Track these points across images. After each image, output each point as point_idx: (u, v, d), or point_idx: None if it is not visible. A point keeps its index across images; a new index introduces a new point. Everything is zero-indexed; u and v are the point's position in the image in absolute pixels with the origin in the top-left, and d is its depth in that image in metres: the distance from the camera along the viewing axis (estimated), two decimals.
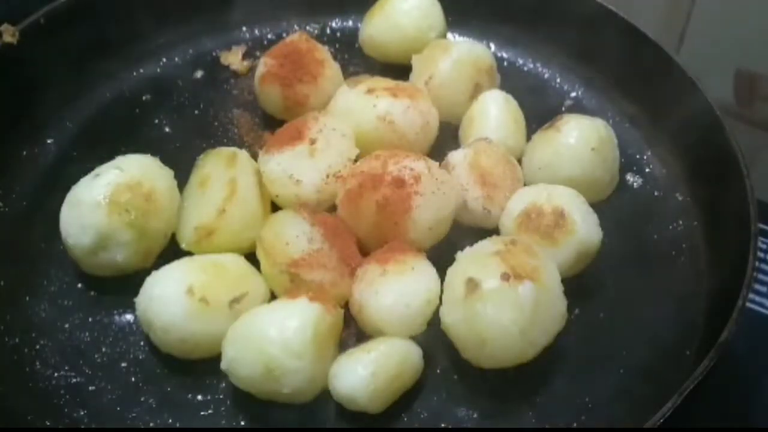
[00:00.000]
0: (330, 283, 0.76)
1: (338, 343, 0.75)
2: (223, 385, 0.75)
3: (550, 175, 0.86)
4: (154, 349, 0.76)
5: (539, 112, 0.96)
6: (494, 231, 0.83)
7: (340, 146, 0.85)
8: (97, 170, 0.81)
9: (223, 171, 0.82)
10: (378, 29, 1.01)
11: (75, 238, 0.78)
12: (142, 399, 0.74)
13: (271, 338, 0.69)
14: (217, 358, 0.72)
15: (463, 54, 0.94)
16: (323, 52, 0.98)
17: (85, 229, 0.78)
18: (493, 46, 1.06)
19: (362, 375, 0.70)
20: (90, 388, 0.75)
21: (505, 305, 0.69)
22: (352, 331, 0.78)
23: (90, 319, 0.80)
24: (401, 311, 0.73)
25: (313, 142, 0.84)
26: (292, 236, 0.77)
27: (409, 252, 0.77)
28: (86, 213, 0.78)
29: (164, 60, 1.05)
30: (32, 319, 0.79)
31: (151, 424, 0.73)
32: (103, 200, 0.78)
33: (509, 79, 1.00)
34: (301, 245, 0.77)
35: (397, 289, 0.74)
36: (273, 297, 0.78)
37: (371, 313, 0.74)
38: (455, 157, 0.86)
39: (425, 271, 0.76)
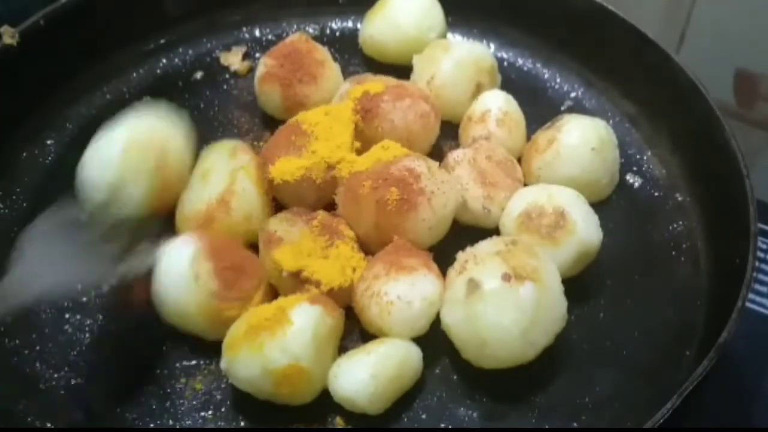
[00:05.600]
0: (331, 283, 0.76)
1: (338, 345, 0.75)
2: (224, 385, 0.75)
3: (549, 175, 0.86)
4: (154, 350, 0.76)
5: (539, 112, 0.96)
6: (494, 231, 0.83)
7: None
8: (112, 124, 0.81)
9: (225, 163, 0.83)
10: (378, 29, 1.01)
11: (89, 188, 0.78)
12: (142, 399, 0.74)
13: (274, 345, 0.69)
14: (216, 358, 0.72)
15: (464, 54, 0.94)
16: (323, 52, 0.98)
17: (102, 175, 0.77)
18: (493, 46, 1.06)
19: (362, 377, 0.70)
20: (90, 388, 0.75)
21: (506, 306, 0.69)
22: (354, 331, 0.78)
23: (90, 320, 0.79)
24: (404, 312, 0.73)
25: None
26: (294, 237, 0.77)
27: (413, 252, 0.77)
28: (101, 163, 0.78)
29: (164, 61, 1.05)
30: (32, 321, 0.79)
31: (151, 425, 0.73)
32: (119, 152, 0.78)
33: (509, 79, 1.00)
34: (302, 246, 0.77)
35: (400, 290, 0.73)
36: (275, 296, 0.78)
37: (373, 314, 0.74)
38: (455, 156, 0.86)
39: (428, 271, 0.76)
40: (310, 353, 0.69)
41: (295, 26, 1.09)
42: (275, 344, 0.69)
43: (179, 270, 0.74)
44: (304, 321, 0.70)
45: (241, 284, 0.75)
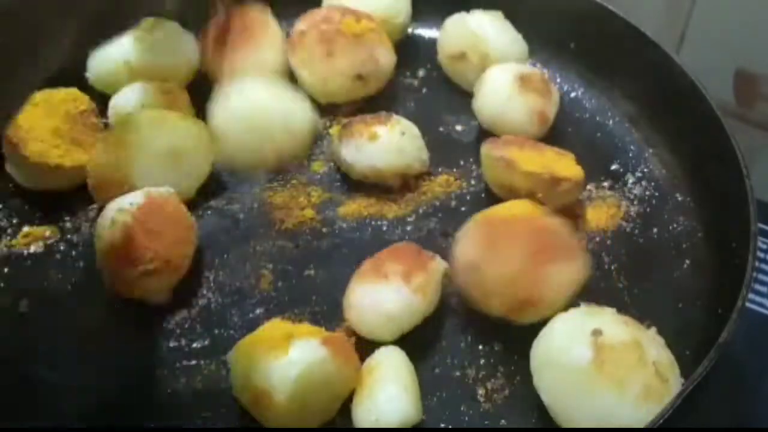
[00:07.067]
0: None
1: (343, 397, 0.71)
2: (223, 385, 0.75)
3: None
4: (154, 351, 0.77)
5: None
6: None
7: None
8: None
9: None
10: None
11: None
12: (142, 399, 0.74)
13: (260, 367, 0.67)
14: (217, 357, 0.72)
15: None
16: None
17: None
18: None
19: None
20: (90, 388, 0.75)
21: None
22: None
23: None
24: (358, 316, 0.74)
25: None
26: None
27: (410, 259, 0.76)
28: None
29: None
30: (33, 322, 0.79)
31: (151, 425, 0.73)
32: None
33: None
34: None
35: (361, 293, 0.75)
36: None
37: (344, 306, 0.76)
38: None
39: (403, 284, 0.74)
40: (288, 390, 0.66)
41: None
42: (262, 366, 0.67)
43: None
44: (298, 357, 0.67)
45: None
